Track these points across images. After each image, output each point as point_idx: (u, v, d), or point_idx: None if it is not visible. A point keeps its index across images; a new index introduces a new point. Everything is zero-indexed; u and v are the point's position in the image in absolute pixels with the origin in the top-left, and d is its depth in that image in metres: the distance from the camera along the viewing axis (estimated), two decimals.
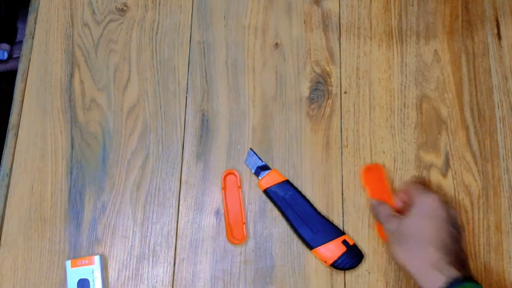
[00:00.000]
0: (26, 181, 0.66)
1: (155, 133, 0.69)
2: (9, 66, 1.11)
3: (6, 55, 1.10)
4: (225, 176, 0.66)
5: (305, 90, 0.71)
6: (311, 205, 0.64)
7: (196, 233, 0.65)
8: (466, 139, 0.68)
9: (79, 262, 0.60)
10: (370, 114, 0.69)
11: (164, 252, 0.64)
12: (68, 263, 0.61)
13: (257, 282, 0.63)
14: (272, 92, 0.71)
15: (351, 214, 0.65)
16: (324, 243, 0.62)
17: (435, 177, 0.67)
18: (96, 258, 0.61)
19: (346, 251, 0.62)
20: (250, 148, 0.68)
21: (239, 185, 0.66)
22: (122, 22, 0.74)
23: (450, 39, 0.73)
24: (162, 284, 0.63)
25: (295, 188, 0.65)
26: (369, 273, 0.63)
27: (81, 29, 0.73)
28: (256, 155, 0.67)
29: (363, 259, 0.63)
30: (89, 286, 0.60)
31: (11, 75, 0.74)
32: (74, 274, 0.60)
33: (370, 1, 0.75)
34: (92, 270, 0.60)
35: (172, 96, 0.70)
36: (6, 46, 1.10)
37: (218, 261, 0.64)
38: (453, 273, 0.51)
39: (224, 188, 0.65)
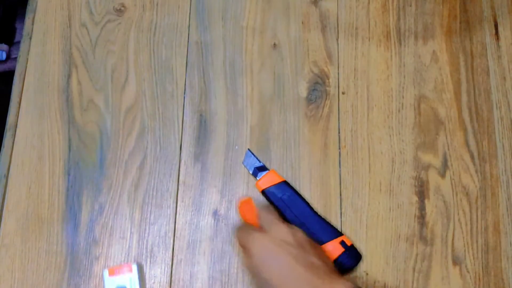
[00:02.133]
0: (23, 182, 0.66)
1: (153, 133, 0.69)
2: (7, 66, 1.11)
3: (4, 56, 1.10)
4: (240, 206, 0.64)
5: (303, 91, 0.71)
6: (309, 206, 0.64)
7: (194, 234, 0.65)
8: (464, 139, 0.68)
9: (117, 271, 0.61)
10: (368, 115, 0.69)
11: (162, 253, 0.64)
12: (106, 272, 0.61)
13: None
14: (270, 92, 0.71)
15: (349, 215, 0.65)
16: (322, 244, 0.62)
17: (433, 177, 0.67)
18: (134, 267, 0.61)
19: (344, 252, 0.62)
20: (248, 149, 0.68)
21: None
22: (120, 23, 0.74)
23: (448, 40, 0.73)
24: (159, 285, 0.63)
25: (293, 189, 0.65)
26: (367, 274, 0.63)
27: (78, 29, 0.73)
28: (254, 155, 0.67)
29: (361, 260, 0.63)
30: None
31: (9, 75, 0.74)
32: (112, 282, 0.61)
33: (368, 2, 0.75)
34: (130, 279, 0.61)
35: (170, 97, 0.70)
36: (4, 46, 1.10)
37: (216, 262, 0.63)
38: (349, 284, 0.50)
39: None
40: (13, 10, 1.15)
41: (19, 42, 0.75)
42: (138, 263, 0.63)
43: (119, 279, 0.61)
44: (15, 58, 1.08)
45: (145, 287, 0.62)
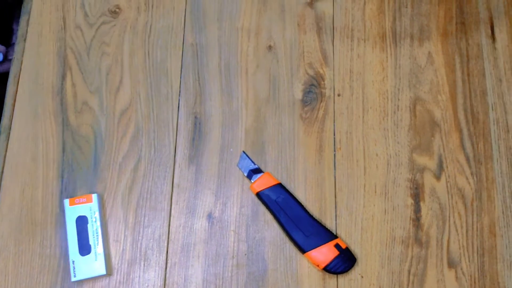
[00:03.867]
0: (17, 185, 0.66)
1: (147, 136, 0.68)
2: (4, 68, 1.11)
3: (1, 57, 1.10)
4: None
5: (298, 93, 0.70)
6: (304, 209, 0.64)
7: (188, 237, 0.64)
8: (460, 141, 0.68)
9: (77, 201, 0.62)
10: (363, 117, 0.69)
11: (156, 256, 0.64)
12: (67, 201, 0.62)
13: (249, 286, 0.62)
14: (265, 94, 0.70)
15: (343, 217, 0.65)
16: (317, 247, 0.62)
17: (428, 180, 0.66)
18: (94, 196, 0.63)
19: (338, 255, 0.61)
20: (243, 151, 0.67)
21: None
22: (114, 25, 0.73)
23: (444, 41, 0.73)
24: None
25: (288, 192, 0.65)
26: (362, 277, 0.63)
27: (73, 31, 0.73)
28: (249, 158, 0.67)
29: (356, 263, 0.63)
30: (87, 223, 0.61)
31: (6, 77, 0.74)
32: (72, 212, 0.62)
33: (364, 3, 0.75)
34: (90, 208, 0.62)
35: (165, 99, 0.70)
36: (1, 48, 1.10)
37: (210, 265, 0.63)
38: None
39: None
40: (10, 12, 1.15)
41: None
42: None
43: (80, 208, 0.62)
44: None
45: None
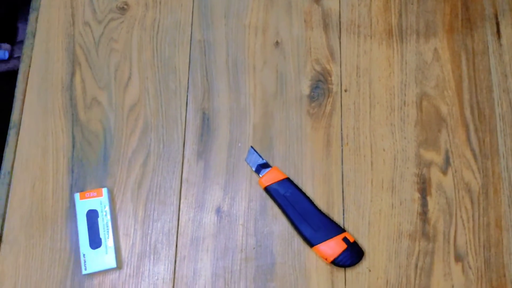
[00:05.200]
0: (27, 179, 0.67)
1: (156, 131, 0.69)
2: (10, 65, 1.11)
3: (7, 55, 1.10)
4: None
5: (305, 89, 0.71)
6: (312, 203, 0.64)
7: (197, 231, 0.65)
8: (466, 136, 0.69)
9: (87, 195, 0.63)
10: (370, 112, 0.70)
11: (165, 249, 0.64)
12: (77, 195, 0.63)
13: (258, 279, 0.63)
14: (273, 90, 0.71)
15: (351, 211, 0.65)
16: (325, 241, 0.62)
17: (435, 174, 0.67)
18: (104, 190, 0.64)
19: (346, 249, 0.62)
20: (251, 146, 0.68)
21: None
22: (123, 21, 0.74)
23: (450, 37, 0.73)
24: (163, 281, 0.63)
25: (296, 186, 0.65)
26: (370, 270, 0.63)
27: (82, 28, 0.74)
28: (257, 153, 0.67)
29: (364, 257, 0.63)
30: (98, 217, 0.62)
31: (12, 74, 0.75)
32: (83, 206, 0.63)
33: (370, 0, 0.75)
34: (100, 202, 0.63)
35: (173, 95, 0.71)
36: (7, 46, 1.10)
37: (219, 259, 0.64)
38: None
39: None
40: (15, 10, 1.15)
41: (21, 42, 0.76)
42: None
43: (90, 202, 0.62)
44: (18, 57, 1.08)
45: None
